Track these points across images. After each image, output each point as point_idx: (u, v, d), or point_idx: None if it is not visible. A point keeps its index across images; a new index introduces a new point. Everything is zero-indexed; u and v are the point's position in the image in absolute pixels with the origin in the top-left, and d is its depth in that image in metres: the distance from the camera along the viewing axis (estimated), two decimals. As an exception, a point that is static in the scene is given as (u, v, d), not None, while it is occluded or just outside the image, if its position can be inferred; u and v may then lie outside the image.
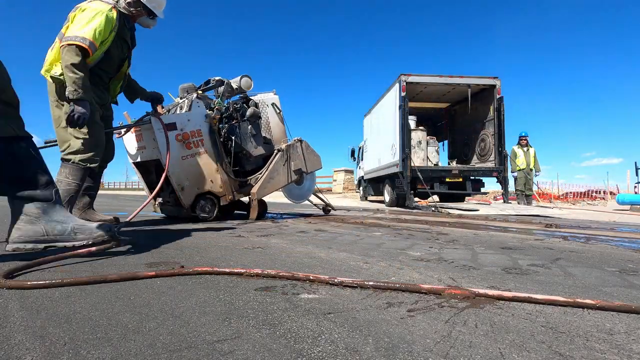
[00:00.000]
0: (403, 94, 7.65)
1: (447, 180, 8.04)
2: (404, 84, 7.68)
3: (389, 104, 8.58)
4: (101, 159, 2.95)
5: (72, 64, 2.48)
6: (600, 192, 17.57)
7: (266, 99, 4.17)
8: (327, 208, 5.01)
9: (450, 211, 6.42)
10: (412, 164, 7.52)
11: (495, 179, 8.05)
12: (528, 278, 1.38)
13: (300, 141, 4.16)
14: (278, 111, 4.22)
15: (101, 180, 3.63)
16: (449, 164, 9.38)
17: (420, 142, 8.50)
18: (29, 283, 1.16)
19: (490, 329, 0.85)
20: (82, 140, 2.69)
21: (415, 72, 7.91)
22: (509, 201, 8.31)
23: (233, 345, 0.75)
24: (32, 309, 0.96)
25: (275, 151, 3.96)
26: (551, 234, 3.02)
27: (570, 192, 17.98)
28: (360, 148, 12.72)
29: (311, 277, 1.25)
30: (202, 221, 3.53)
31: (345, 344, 0.76)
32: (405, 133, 7.62)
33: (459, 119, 10.11)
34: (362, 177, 12.26)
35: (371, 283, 1.18)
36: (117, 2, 2.84)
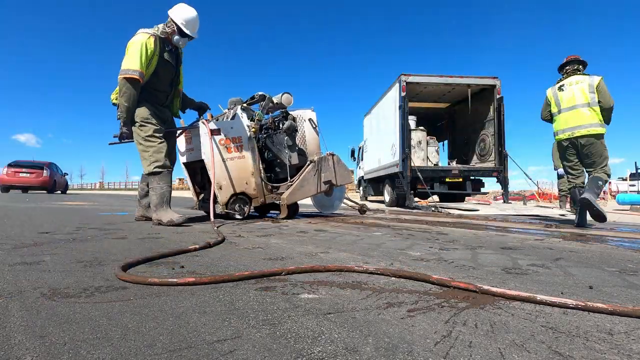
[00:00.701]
0: (403, 94, 7.65)
1: (447, 180, 8.04)
2: (404, 84, 7.68)
3: (389, 104, 8.58)
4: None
5: (122, 95, 3.18)
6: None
7: (304, 115, 4.57)
8: (362, 209, 5.20)
9: (450, 211, 6.42)
10: (412, 164, 7.52)
11: (495, 179, 8.05)
12: (528, 278, 1.38)
13: (332, 155, 4.42)
14: (314, 126, 4.60)
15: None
16: (449, 164, 9.37)
17: (420, 142, 8.50)
18: (149, 280, 1.22)
19: (490, 329, 0.85)
20: (151, 152, 3.32)
21: (415, 72, 7.92)
22: (509, 201, 8.31)
23: (233, 345, 0.75)
24: (32, 309, 0.96)
25: (308, 162, 4.26)
26: (551, 233, 3.02)
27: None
28: (360, 148, 12.73)
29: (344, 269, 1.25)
30: (233, 219, 3.87)
31: (345, 344, 0.76)
32: (405, 133, 7.62)
33: (459, 119, 10.11)
34: (362, 177, 12.27)
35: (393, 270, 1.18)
36: (158, 29, 3.41)
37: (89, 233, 2.61)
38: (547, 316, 0.95)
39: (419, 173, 7.38)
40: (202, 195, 4.45)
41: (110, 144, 3.59)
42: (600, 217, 3.47)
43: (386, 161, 8.88)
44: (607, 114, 3.63)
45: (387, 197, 9.14)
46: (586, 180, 3.76)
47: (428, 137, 8.79)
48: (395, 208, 7.98)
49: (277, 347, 0.74)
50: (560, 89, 3.90)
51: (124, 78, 3.17)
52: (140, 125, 3.33)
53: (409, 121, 8.14)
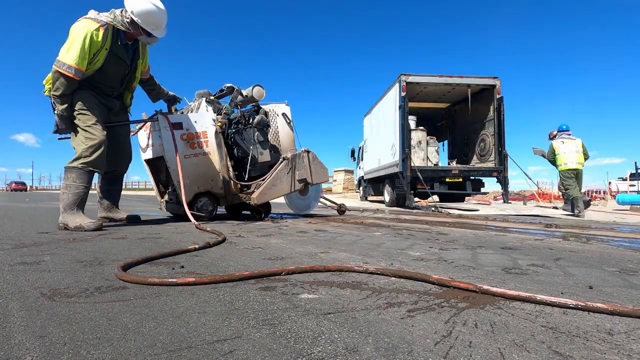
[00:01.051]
0: (403, 94, 7.65)
1: (447, 180, 8.03)
2: (404, 84, 7.68)
3: (389, 104, 8.58)
4: (116, 162, 3.34)
5: (56, 89, 2.82)
6: (600, 192, 17.57)
7: (277, 109, 4.29)
8: (341, 209, 5.03)
9: (450, 211, 6.42)
10: (412, 164, 7.52)
11: (495, 179, 8.05)
12: (528, 278, 1.38)
13: (308, 152, 4.17)
14: (288, 121, 4.33)
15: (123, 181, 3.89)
16: (449, 164, 9.38)
17: (420, 142, 8.50)
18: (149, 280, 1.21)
19: (490, 328, 0.85)
20: (83, 147, 2.88)
21: (415, 72, 7.92)
22: (509, 201, 8.31)
23: (233, 345, 0.75)
24: (32, 309, 0.96)
25: (281, 159, 3.99)
26: (551, 234, 3.02)
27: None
28: (360, 148, 12.72)
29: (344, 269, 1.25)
30: (199, 220, 3.47)
31: (345, 344, 0.76)
32: (405, 133, 7.62)
33: (459, 119, 10.11)
34: (362, 177, 12.26)
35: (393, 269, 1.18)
36: (113, 18, 2.93)
37: (88, 233, 2.61)
38: (547, 316, 0.95)
39: (419, 173, 7.38)
40: (167, 195, 4.13)
41: (59, 138, 3.21)
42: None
43: (386, 161, 8.88)
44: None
45: (387, 197, 9.14)
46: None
47: (428, 137, 8.79)
48: (395, 208, 7.98)
49: (277, 347, 0.74)
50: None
51: (58, 72, 2.78)
52: (79, 113, 2.94)
53: (409, 121, 8.14)
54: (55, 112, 2.92)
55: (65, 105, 2.88)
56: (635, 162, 15.79)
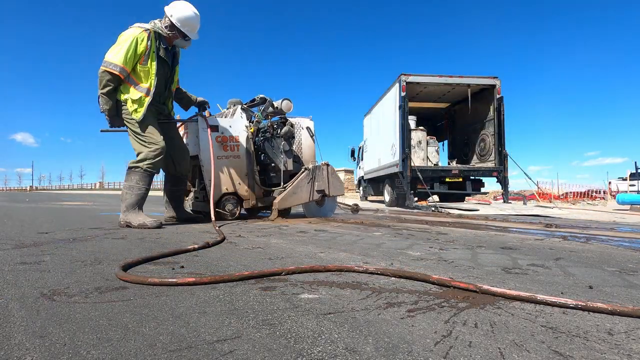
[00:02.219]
0: (403, 93, 7.65)
1: (447, 180, 8.04)
2: (404, 83, 7.68)
3: (389, 104, 8.58)
4: (179, 164, 3.58)
5: (103, 87, 3.05)
6: (600, 191, 17.58)
7: (302, 122, 4.62)
8: (355, 209, 5.27)
9: (450, 211, 6.42)
10: (412, 164, 7.52)
11: (495, 179, 8.05)
12: (528, 278, 1.38)
13: (327, 165, 4.40)
14: (311, 134, 4.66)
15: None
16: (449, 164, 9.37)
17: (420, 142, 8.50)
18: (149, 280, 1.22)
19: (490, 328, 0.85)
20: (147, 150, 3.14)
21: (415, 72, 7.91)
22: (509, 201, 8.31)
23: (233, 345, 0.75)
24: (32, 309, 0.96)
25: (302, 169, 4.23)
26: (551, 234, 3.02)
27: (570, 192, 17.97)
28: (360, 148, 12.72)
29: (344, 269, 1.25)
30: (223, 219, 3.79)
31: (345, 344, 0.76)
32: (405, 133, 7.62)
33: (459, 119, 10.11)
34: (362, 177, 12.25)
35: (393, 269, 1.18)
36: (154, 25, 3.24)
37: (89, 233, 2.62)
38: (547, 316, 0.95)
39: (419, 173, 7.38)
40: (192, 193, 4.35)
41: (102, 130, 3.45)
42: None
43: (386, 161, 8.88)
44: None
45: (387, 197, 9.14)
46: None
47: (428, 137, 8.79)
48: (395, 208, 7.98)
49: (277, 347, 0.74)
50: None
51: (105, 71, 3.04)
52: (140, 122, 3.17)
53: (409, 121, 8.14)
54: (101, 110, 3.15)
55: (111, 104, 3.12)
56: (635, 162, 15.79)
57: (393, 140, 8.22)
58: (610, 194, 15.72)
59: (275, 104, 4.28)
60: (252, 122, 4.09)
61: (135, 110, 3.14)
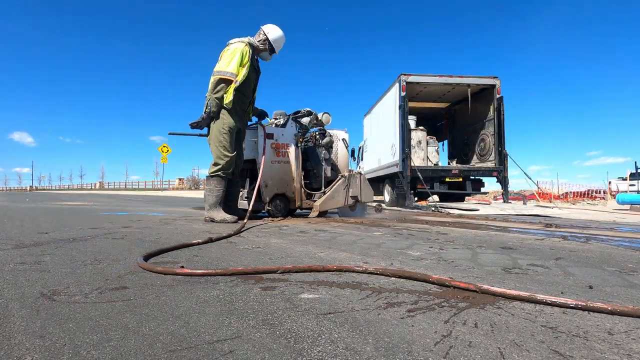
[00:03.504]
0: (403, 93, 7.65)
1: (447, 180, 8.03)
2: (404, 83, 7.68)
3: (389, 104, 8.58)
4: (237, 168, 4.02)
5: (216, 92, 3.65)
6: (600, 191, 17.57)
7: (338, 134, 5.06)
8: (378, 208, 5.84)
9: (450, 211, 6.42)
10: (412, 164, 7.52)
11: (495, 179, 8.05)
12: (528, 278, 1.38)
13: (360, 174, 4.90)
14: (346, 145, 5.14)
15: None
16: (449, 164, 9.37)
17: (420, 142, 8.50)
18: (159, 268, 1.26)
19: (490, 328, 0.85)
20: (224, 160, 3.72)
21: (415, 72, 7.91)
22: (509, 201, 8.31)
23: (233, 345, 0.75)
24: (32, 309, 0.96)
25: (339, 176, 4.72)
26: (551, 234, 3.02)
27: (571, 192, 17.97)
28: (360, 148, 12.72)
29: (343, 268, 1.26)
30: (275, 217, 4.20)
31: (345, 344, 0.76)
32: (405, 133, 7.62)
33: (459, 119, 10.10)
34: (362, 177, 12.23)
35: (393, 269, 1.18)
36: (249, 40, 3.85)
37: (89, 233, 2.61)
38: (547, 316, 0.95)
39: (419, 173, 7.38)
40: (242, 193, 4.80)
41: (170, 133, 4.14)
42: None
43: (386, 161, 8.88)
44: None
45: (387, 197, 9.14)
46: None
47: (428, 137, 8.79)
48: (395, 208, 7.98)
49: (277, 347, 0.74)
50: None
51: (221, 78, 3.65)
52: (226, 133, 3.72)
53: (409, 121, 8.14)
54: (206, 110, 3.71)
55: (219, 108, 3.70)
56: (636, 162, 15.79)
57: (393, 140, 8.22)
58: (610, 194, 15.72)
59: (317, 116, 4.80)
60: (300, 132, 4.56)
61: (228, 96, 3.69)
